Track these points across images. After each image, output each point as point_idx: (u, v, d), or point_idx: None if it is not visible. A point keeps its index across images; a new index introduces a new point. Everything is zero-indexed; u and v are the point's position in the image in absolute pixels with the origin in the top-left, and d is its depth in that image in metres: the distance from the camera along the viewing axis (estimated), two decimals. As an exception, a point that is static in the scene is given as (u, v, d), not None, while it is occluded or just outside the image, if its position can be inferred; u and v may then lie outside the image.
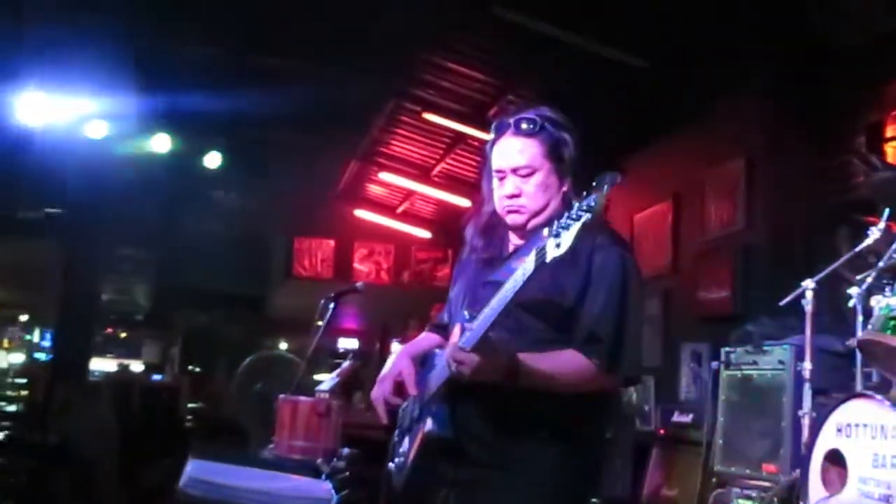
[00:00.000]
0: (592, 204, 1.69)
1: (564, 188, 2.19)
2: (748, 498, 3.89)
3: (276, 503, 2.40)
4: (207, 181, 9.65)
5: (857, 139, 5.37)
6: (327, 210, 12.63)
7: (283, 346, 17.36)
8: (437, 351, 2.26)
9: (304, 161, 10.15)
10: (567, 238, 1.70)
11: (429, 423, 2.04)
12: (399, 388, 2.24)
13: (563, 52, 6.57)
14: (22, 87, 7.26)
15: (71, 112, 7.66)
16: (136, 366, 14.99)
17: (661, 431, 5.58)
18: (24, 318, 17.72)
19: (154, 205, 10.25)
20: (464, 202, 11.22)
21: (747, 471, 4.14)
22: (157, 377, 13.89)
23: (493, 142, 2.25)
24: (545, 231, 1.78)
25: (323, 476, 2.64)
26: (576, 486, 2.10)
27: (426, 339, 2.44)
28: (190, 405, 11.51)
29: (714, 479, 4.38)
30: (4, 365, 16.06)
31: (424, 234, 13.03)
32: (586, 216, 1.69)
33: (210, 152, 8.69)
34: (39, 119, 7.52)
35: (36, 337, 16.15)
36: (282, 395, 3.22)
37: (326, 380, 3.29)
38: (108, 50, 6.78)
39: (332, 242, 13.15)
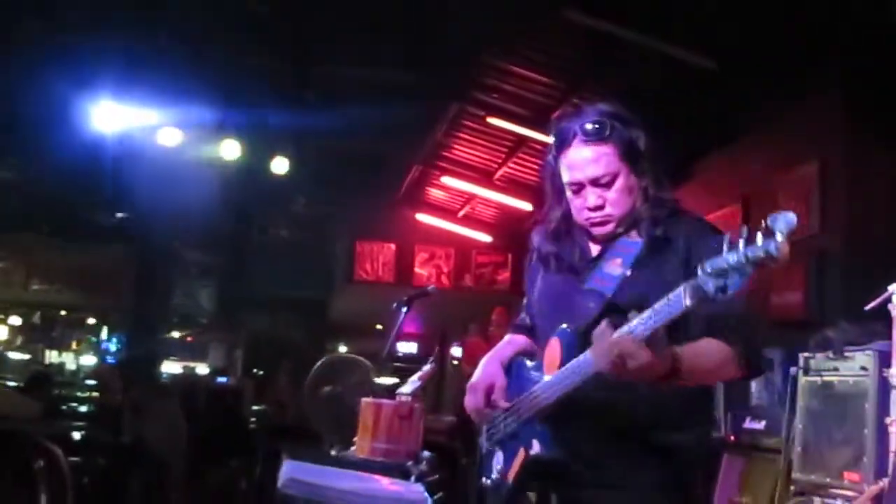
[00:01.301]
0: (774, 252, 1.50)
1: (644, 184, 2.08)
2: (832, 507, 3.81)
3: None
4: (274, 187, 9.80)
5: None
6: (389, 214, 12.72)
7: (343, 349, 17.54)
8: (526, 361, 2.18)
9: (368, 166, 10.25)
10: (734, 283, 1.55)
11: (535, 446, 1.97)
12: (490, 399, 2.15)
13: (631, 53, 6.53)
14: (97, 96, 7.47)
15: (144, 120, 7.86)
16: (201, 369, 15.28)
17: (732, 438, 5.50)
18: (91, 321, 18.18)
19: (221, 210, 10.45)
20: (525, 206, 11.22)
21: (828, 479, 4.05)
22: (221, 380, 14.13)
23: (560, 151, 2.09)
24: (702, 269, 1.61)
25: (412, 479, 2.66)
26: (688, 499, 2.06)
27: (512, 342, 2.33)
28: (254, 407, 11.66)
29: (792, 488, 4.29)
30: (74, 367, 16.50)
31: (485, 237, 13.04)
32: (768, 262, 1.52)
33: (278, 158, 8.83)
34: (114, 127, 7.73)
35: (104, 340, 16.55)
36: (364, 398, 3.25)
37: (408, 383, 3.32)
38: (180, 59, 6.94)
39: (393, 246, 13.24)
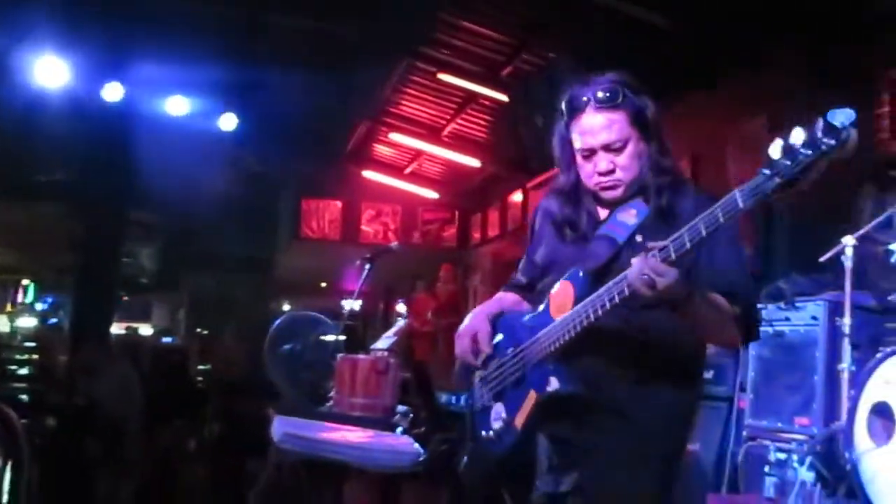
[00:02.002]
0: (845, 138, 1.55)
1: (650, 151, 2.15)
2: (784, 451, 3.96)
3: (371, 457, 2.46)
4: (220, 144, 9.64)
5: (883, 98, 5.40)
6: (335, 171, 12.63)
7: (287, 307, 17.47)
8: (524, 314, 2.24)
9: (315, 122, 10.13)
10: (800, 171, 1.60)
11: (553, 383, 2.01)
12: (475, 348, 2.21)
13: (584, 9, 6.55)
14: (39, 51, 7.23)
15: (87, 76, 7.64)
16: (145, 329, 15.09)
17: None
18: (25, 282, 17.76)
19: (164, 168, 10.24)
20: (473, 162, 11.24)
21: (779, 424, 4.22)
22: (166, 340, 13.99)
23: (572, 118, 2.15)
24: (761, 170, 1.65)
25: (399, 431, 2.71)
26: (685, 432, 2.18)
27: (501, 299, 2.38)
28: (200, 367, 11.59)
29: (745, 434, 4.45)
30: (8, 329, 16.12)
31: (432, 194, 13.04)
32: (835, 150, 1.56)
33: (226, 114, 8.68)
34: (55, 82, 7.50)
35: (42, 301, 16.21)
36: (341, 355, 3.28)
37: (383, 338, 3.36)
38: (124, 13, 6.75)
39: (339, 203, 13.17)
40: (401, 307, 15.88)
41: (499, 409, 2.15)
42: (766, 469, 3.93)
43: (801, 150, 1.60)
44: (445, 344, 9.50)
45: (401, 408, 3.14)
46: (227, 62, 7.67)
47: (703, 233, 1.78)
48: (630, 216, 2.12)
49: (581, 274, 2.05)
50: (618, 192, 2.15)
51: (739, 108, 6.26)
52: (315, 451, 2.19)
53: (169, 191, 10.58)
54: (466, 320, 2.28)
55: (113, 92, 7.83)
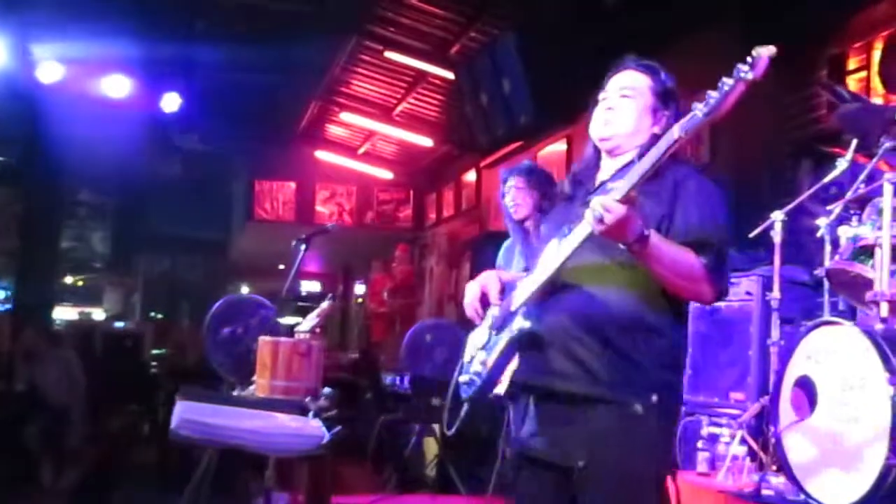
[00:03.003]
0: (754, 56, 1.81)
1: (655, 130, 2.22)
2: (718, 425, 3.99)
3: (270, 441, 2.42)
4: (166, 124, 9.47)
5: (820, 71, 5.42)
6: (288, 152, 12.50)
7: (245, 289, 17.33)
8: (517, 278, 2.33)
9: (264, 102, 9.99)
10: (715, 101, 1.83)
11: (521, 321, 2.14)
12: (483, 298, 2.32)
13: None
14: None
15: (23, 56, 7.43)
16: (98, 314, 14.88)
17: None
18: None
19: (112, 149, 10.05)
20: (426, 141, 11.17)
21: (715, 399, 4.25)
22: (119, 325, 13.80)
23: (610, 77, 2.32)
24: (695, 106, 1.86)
25: (310, 415, 2.67)
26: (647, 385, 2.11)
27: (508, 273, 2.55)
28: (154, 351, 11.47)
29: (683, 408, 4.48)
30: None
31: (387, 174, 12.97)
32: (749, 73, 1.81)
33: (168, 94, 8.52)
34: (-8, 63, 7.29)
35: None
36: (262, 336, 3.22)
37: (306, 320, 3.30)
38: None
39: (293, 185, 13.05)
40: (359, 287, 15.90)
41: (480, 357, 2.24)
42: (699, 444, 3.94)
43: (724, 81, 1.85)
44: (401, 323, 9.48)
45: (326, 390, 3.10)
46: (169, 40, 7.50)
47: (648, 167, 1.94)
48: (619, 183, 2.17)
49: (567, 230, 2.11)
50: (610, 140, 2.26)
51: (685, 83, 6.25)
52: (213, 437, 2.14)
53: (115, 173, 10.40)
54: (478, 277, 2.38)
55: (50, 72, 7.63)
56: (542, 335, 2.13)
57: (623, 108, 2.25)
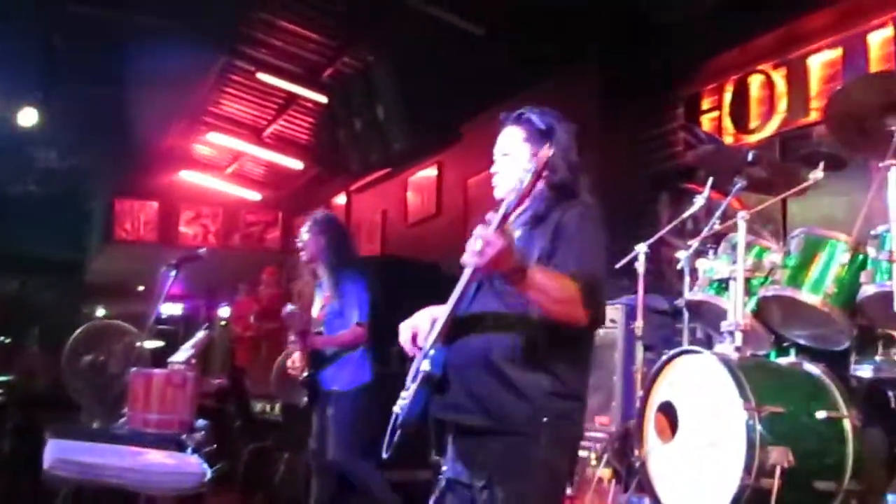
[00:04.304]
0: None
1: (541, 168, 2.32)
2: (584, 449, 4.12)
3: (150, 480, 2.34)
4: (21, 139, 9.00)
5: (676, 110, 5.74)
6: (151, 171, 12.12)
7: (101, 312, 16.59)
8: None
9: (127, 120, 9.66)
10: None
11: (425, 364, 2.27)
12: (414, 338, 2.46)
13: (401, 15, 6.60)
14: None
15: None
16: (-63, 337, 13.90)
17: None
18: None
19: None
20: (296, 164, 11.09)
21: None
22: (-38, 349, 12.94)
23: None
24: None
25: (189, 450, 2.60)
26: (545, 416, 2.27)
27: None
28: (0, 378, 10.83)
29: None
30: None
31: (254, 196, 12.78)
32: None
33: (24, 108, 8.12)
34: None
35: None
36: (134, 369, 3.12)
37: (180, 351, 3.22)
38: None
39: (155, 204, 12.65)
40: (224, 311, 15.51)
41: (408, 390, 2.36)
42: (567, 468, 4.06)
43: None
44: (268, 348, 9.32)
45: (199, 422, 3.03)
46: (28, 52, 7.18)
47: (513, 204, 2.13)
48: (520, 221, 2.44)
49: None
50: (498, 191, 2.47)
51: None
52: (91, 477, 2.06)
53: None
54: (414, 315, 2.52)
55: None
56: (444, 375, 2.30)
57: (505, 169, 2.49)
